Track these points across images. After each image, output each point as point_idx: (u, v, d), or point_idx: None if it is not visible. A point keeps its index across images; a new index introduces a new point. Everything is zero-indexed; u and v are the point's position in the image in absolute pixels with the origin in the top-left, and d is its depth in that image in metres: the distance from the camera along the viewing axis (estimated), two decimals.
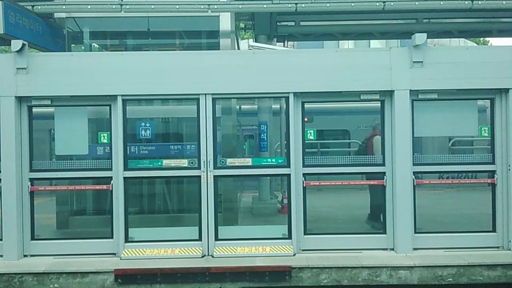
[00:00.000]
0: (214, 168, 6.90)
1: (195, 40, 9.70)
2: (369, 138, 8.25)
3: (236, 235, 7.05)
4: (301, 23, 10.68)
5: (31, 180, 6.94)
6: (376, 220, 7.65)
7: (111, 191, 6.92)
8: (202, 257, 6.78)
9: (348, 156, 7.26)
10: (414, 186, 6.89)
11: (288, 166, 6.93)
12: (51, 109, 7.09)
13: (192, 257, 6.75)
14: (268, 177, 9.89)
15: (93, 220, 8.25)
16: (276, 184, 10.87)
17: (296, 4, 8.49)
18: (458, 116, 7.09)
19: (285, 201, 7.62)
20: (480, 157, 7.22)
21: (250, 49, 8.11)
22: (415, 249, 6.83)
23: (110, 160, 6.95)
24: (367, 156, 7.71)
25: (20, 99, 6.88)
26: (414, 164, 6.91)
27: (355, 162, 7.20)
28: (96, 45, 9.28)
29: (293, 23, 10.70)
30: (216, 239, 6.90)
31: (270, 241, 6.91)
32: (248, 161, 7.25)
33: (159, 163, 7.03)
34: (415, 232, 6.91)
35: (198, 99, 6.91)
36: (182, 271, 6.36)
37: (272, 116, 10.34)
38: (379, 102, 7.02)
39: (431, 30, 10.45)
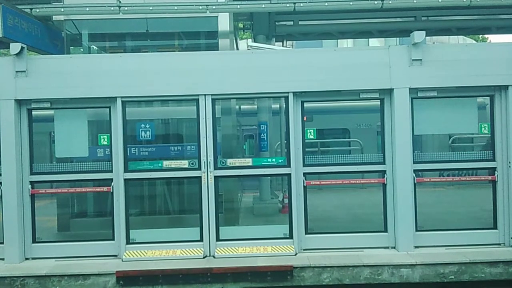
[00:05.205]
0: (215, 169, 6.90)
1: (194, 41, 9.70)
2: None
3: (237, 236, 7.06)
4: (300, 23, 10.69)
5: (32, 183, 6.94)
6: None
7: (112, 193, 6.92)
8: (204, 257, 6.79)
9: (348, 155, 7.24)
10: (414, 184, 6.90)
11: (289, 165, 6.93)
12: (50, 112, 7.10)
13: (193, 258, 6.75)
14: (269, 177, 9.89)
15: (94, 222, 8.23)
16: (276, 184, 10.87)
17: (294, 3, 8.48)
18: (458, 113, 7.08)
19: (286, 200, 7.61)
20: (481, 154, 7.21)
21: (249, 49, 8.11)
22: (416, 247, 6.83)
23: (110, 162, 6.95)
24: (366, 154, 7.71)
25: (19, 102, 6.88)
26: (414, 162, 6.91)
27: (355, 161, 7.21)
28: (95, 47, 9.26)
29: (291, 23, 10.71)
30: (218, 239, 6.90)
31: (272, 241, 6.92)
32: (249, 161, 7.24)
33: (160, 165, 7.02)
34: (416, 230, 6.90)
35: (198, 99, 6.91)
36: (183, 272, 6.37)
37: (272, 116, 10.34)
38: (379, 100, 7.02)
39: (429, 28, 10.46)
